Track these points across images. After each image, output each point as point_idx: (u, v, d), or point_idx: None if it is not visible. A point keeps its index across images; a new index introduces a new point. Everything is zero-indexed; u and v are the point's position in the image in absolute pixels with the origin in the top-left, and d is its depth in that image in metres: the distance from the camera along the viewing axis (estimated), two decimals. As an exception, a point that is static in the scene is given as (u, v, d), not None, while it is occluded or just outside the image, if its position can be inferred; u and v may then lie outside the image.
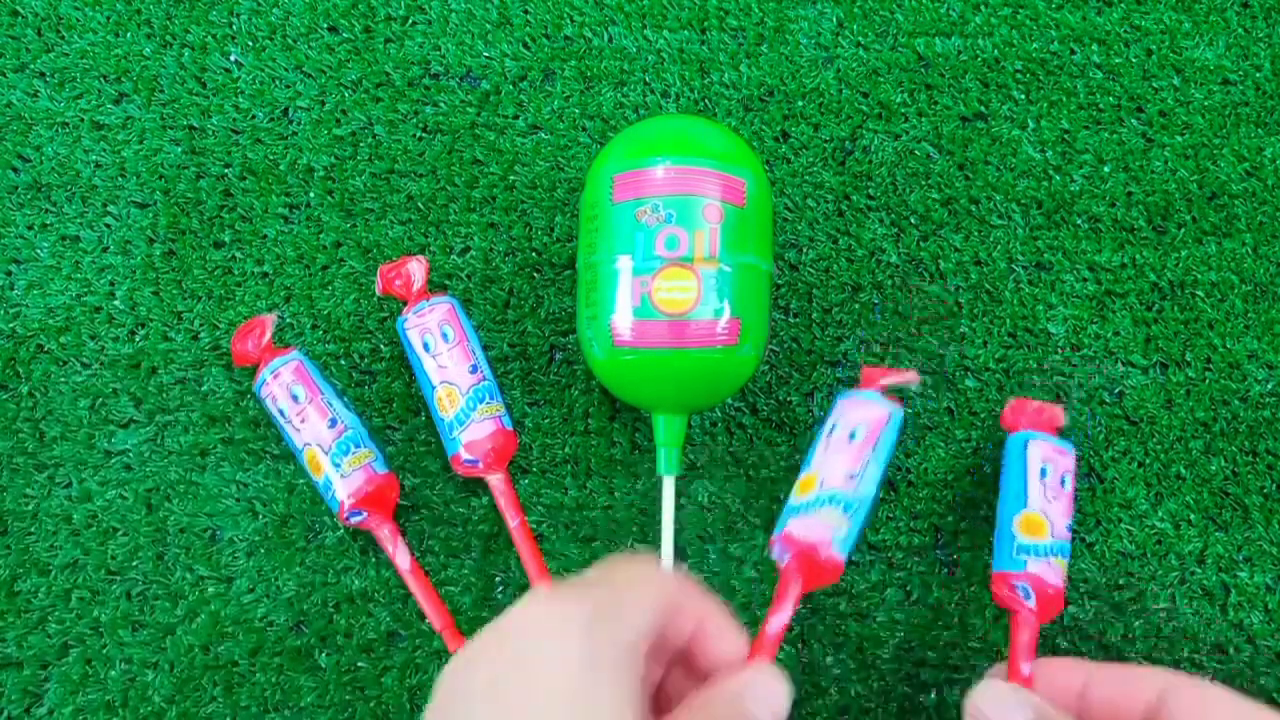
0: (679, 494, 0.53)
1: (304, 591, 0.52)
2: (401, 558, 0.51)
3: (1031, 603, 0.37)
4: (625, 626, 0.29)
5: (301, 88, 0.58)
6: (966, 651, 0.51)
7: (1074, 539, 0.37)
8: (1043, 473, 0.40)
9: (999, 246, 0.57)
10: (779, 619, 0.36)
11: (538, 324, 0.56)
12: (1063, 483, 0.40)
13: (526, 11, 0.60)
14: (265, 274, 0.56)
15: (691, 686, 0.33)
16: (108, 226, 0.56)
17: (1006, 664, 0.40)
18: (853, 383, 0.49)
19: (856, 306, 0.56)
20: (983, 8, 0.61)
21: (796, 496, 0.38)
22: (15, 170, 0.56)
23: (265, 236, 0.56)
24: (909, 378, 0.41)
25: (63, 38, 0.58)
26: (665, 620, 0.31)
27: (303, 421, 0.50)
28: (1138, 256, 0.57)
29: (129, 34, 0.59)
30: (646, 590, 0.31)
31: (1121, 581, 0.52)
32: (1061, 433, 0.43)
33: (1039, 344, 0.56)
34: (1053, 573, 0.37)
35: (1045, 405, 0.43)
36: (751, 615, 0.52)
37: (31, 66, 0.58)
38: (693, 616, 0.32)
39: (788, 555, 0.36)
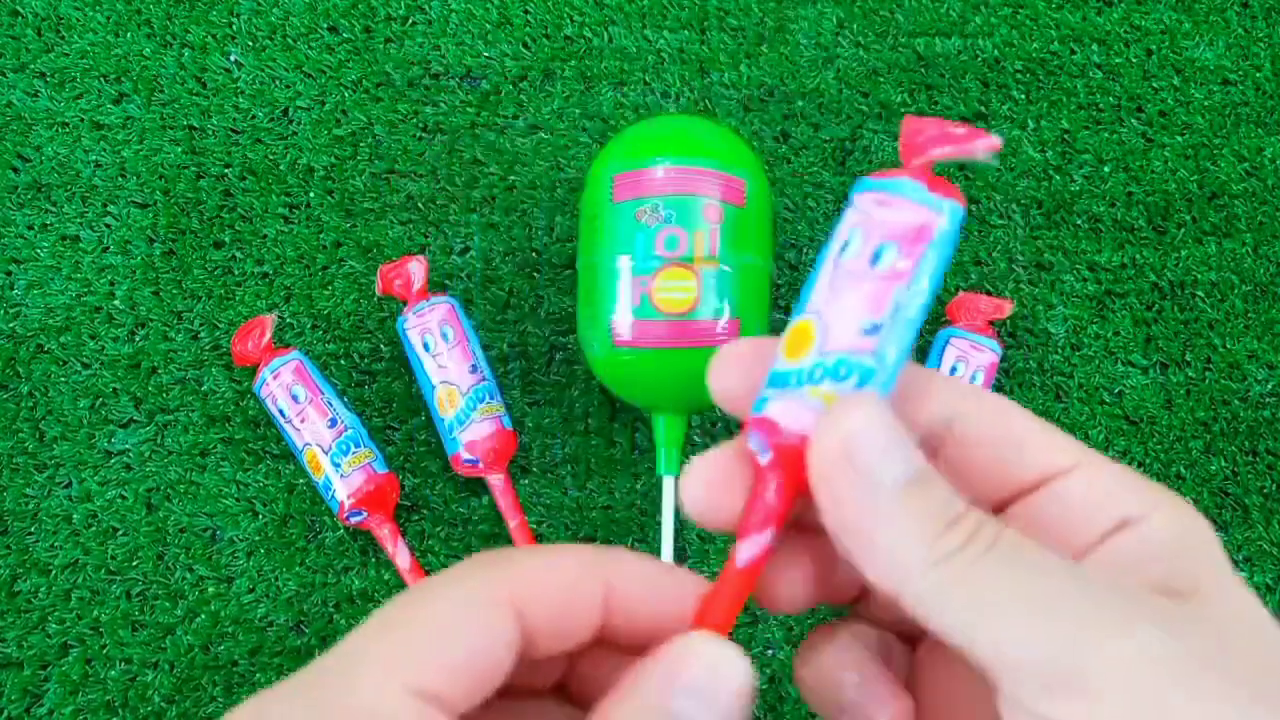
0: (679, 494, 0.53)
1: (304, 591, 0.52)
2: (401, 558, 0.51)
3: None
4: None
5: (301, 88, 0.58)
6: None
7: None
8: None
9: (999, 246, 0.57)
10: (752, 545, 0.22)
11: (538, 324, 0.56)
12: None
13: (526, 11, 0.60)
14: (265, 274, 0.56)
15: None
16: (108, 226, 0.56)
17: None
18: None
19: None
20: (983, 8, 0.61)
21: (784, 358, 0.22)
22: (15, 170, 0.56)
23: (265, 236, 0.56)
24: (978, 148, 0.21)
25: (63, 38, 0.58)
26: (496, 648, 0.19)
27: (303, 421, 0.50)
28: (1138, 256, 0.57)
29: (129, 34, 0.59)
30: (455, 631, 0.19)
31: (1121, 581, 0.52)
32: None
33: (1039, 344, 0.56)
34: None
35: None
36: (751, 615, 0.52)
37: (31, 66, 0.58)
38: (588, 595, 0.21)
39: (767, 449, 0.22)
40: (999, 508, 0.22)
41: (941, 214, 0.22)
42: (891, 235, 0.22)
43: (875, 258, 0.22)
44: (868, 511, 0.19)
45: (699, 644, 0.21)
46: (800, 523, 0.23)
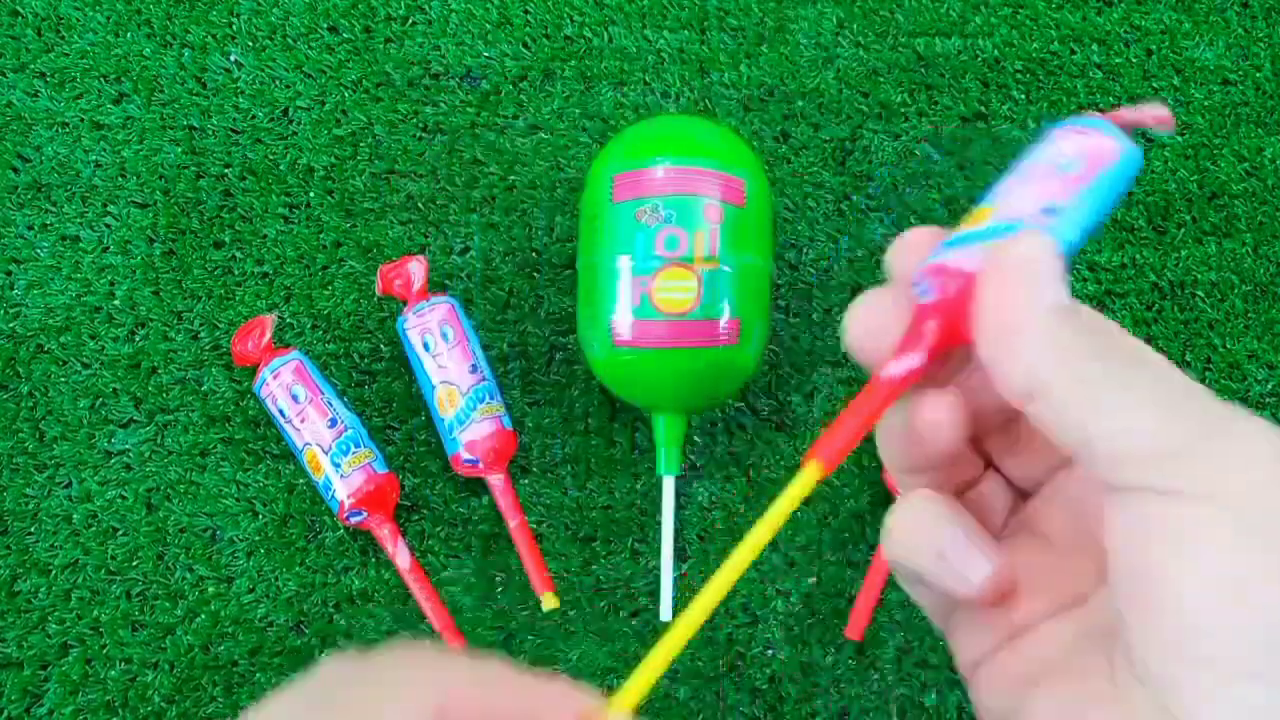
0: (679, 494, 0.53)
1: (304, 591, 0.52)
2: (401, 558, 0.51)
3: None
4: None
5: (301, 88, 0.58)
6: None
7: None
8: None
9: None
10: (903, 362, 0.23)
11: (538, 324, 0.56)
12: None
13: (526, 11, 0.60)
14: (265, 274, 0.56)
15: None
16: (108, 226, 0.56)
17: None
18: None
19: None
20: (983, 8, 0.61)
21: (962, 228, 0.25)
22: (15, 170, 0.56)
23: (265, 236, 0.56)
24: (1160, 114, 0.25)
25: (63, 38, 0.58)
26: None
27: (303, 421, 0.50)
28: (1138, 256, 0.57)
29: (129, 34, 0.59)
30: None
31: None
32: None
33: (1039, 344, 0.56)
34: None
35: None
36: (751, 615, 0.52)
37: (31, 66, 0.58)
38: None
39: (933, 291, 0.23)
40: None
41: (1124, 145, 0.25)
42: (1077, 154, 0.25)
43: (1060, 168, 0.25)
44: (1028, 309, 0.21)
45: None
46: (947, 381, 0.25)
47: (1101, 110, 0.26)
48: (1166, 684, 0.19)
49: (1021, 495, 0.26)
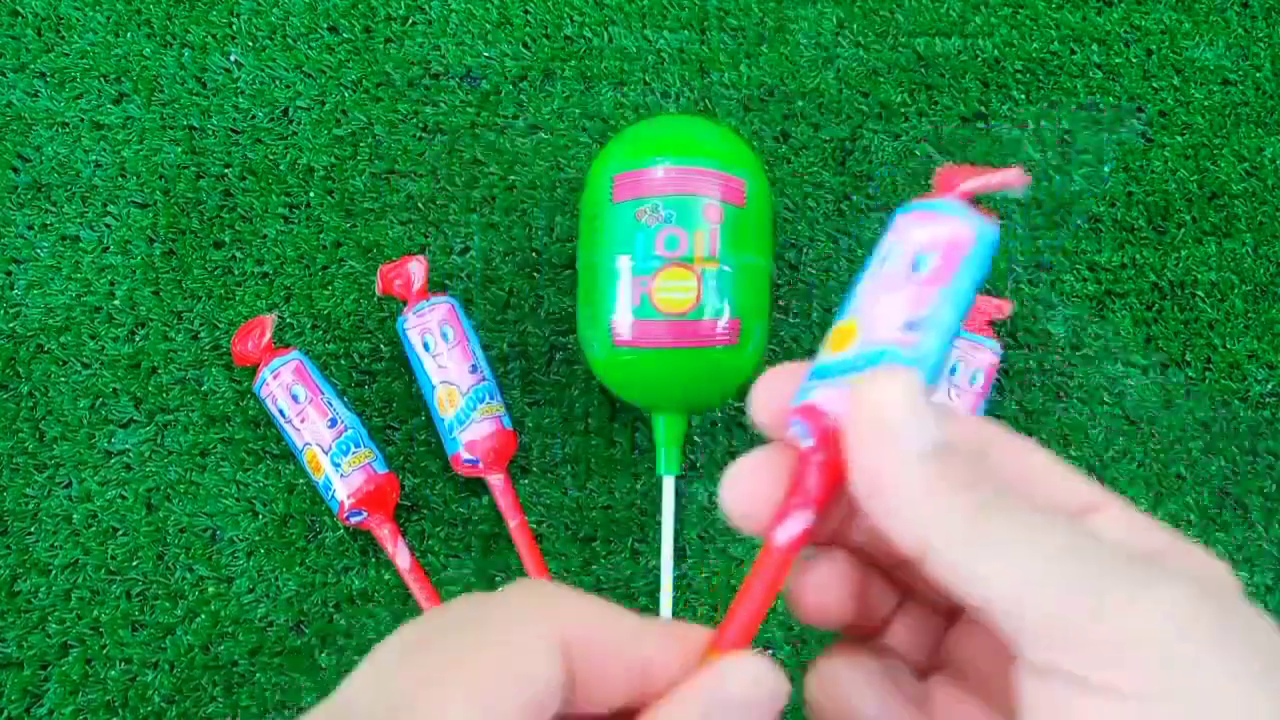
0: (679, 494, 0.53)
1: (304, 591, 0.52)
2: (401, 558, 0.51)
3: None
4: None
5: (301, 88, 0.58)
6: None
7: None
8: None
9: (999, 246, 0.57)
10: (791, 525, 0.22)
11: (538, 324, 0.56)
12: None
13: (526, 11, 0.60)
14: (265, 274, 0.56)
15: None
16: (108, 226, 0.56)
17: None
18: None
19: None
20: (983, 8, 0.61)
21: (827, 353, 0.23)
22: (15, 170, 0.56)
23: (265, 236, 0.56)
24: (1009, 179, 0.23)
25: (63, 38, 0.58)
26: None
27: (303, 421, 0.50)
28: (1138, 256, 0.57)
29: (129, 34, 0.59)
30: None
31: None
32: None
33: (1039, 344, 0.56)
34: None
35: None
36: (751, 615, 0.52)
37: (31, 66, 0.58)
38: (632, 662, 0.21)
39: (810, 435, 0.22)
40: None
41: (979, 228, 0.23)
42: (931, 245, 0.23)
43: (915, 265, 0.23)
44: (897, 467, 0.20)
45: (741, 659, 0.21)
46: (837, 540, 0.24)
47: (947, 167, 0.25)
48: None
49: (947, 617, 0.24)
